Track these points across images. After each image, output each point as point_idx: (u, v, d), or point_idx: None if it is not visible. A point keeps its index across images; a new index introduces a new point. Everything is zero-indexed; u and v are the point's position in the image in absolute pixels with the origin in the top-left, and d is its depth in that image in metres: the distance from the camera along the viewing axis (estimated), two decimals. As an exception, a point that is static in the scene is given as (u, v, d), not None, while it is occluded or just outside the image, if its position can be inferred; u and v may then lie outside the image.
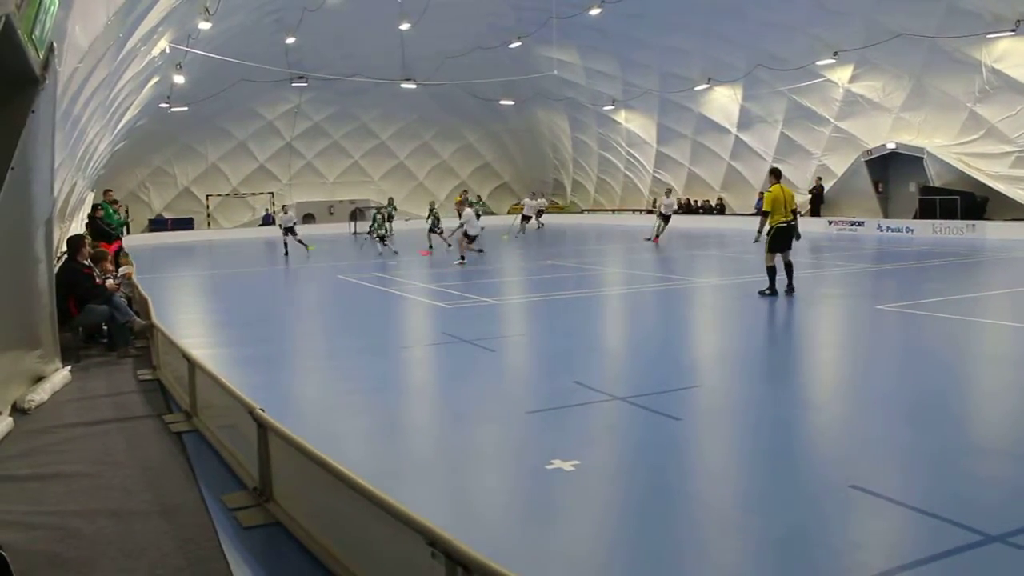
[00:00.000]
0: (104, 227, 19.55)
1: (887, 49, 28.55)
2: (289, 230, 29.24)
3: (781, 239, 14.52)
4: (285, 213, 30.80)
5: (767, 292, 14.60)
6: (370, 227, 30.54)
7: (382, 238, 29.23)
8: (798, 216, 14.86)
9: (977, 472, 5.83)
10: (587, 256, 25.20)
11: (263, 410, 5.30)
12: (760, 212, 14.88)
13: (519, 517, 5.37)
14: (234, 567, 4.44)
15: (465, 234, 23.67)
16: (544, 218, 42.88)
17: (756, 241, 15.41)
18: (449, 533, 3.20)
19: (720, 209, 41.82)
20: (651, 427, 6.99)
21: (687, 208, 43.60)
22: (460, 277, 20.14)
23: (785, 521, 4.98)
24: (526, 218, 38.52)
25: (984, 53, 26.52)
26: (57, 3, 6.29)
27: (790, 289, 14.57)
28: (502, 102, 46.89)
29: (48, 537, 4.81)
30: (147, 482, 5.78)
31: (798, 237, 14.81)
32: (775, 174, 15.04)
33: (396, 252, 28.03)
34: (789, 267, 14.70)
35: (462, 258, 23.48)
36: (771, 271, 14.61)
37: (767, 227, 14.69)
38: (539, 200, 43.12)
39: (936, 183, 29.99)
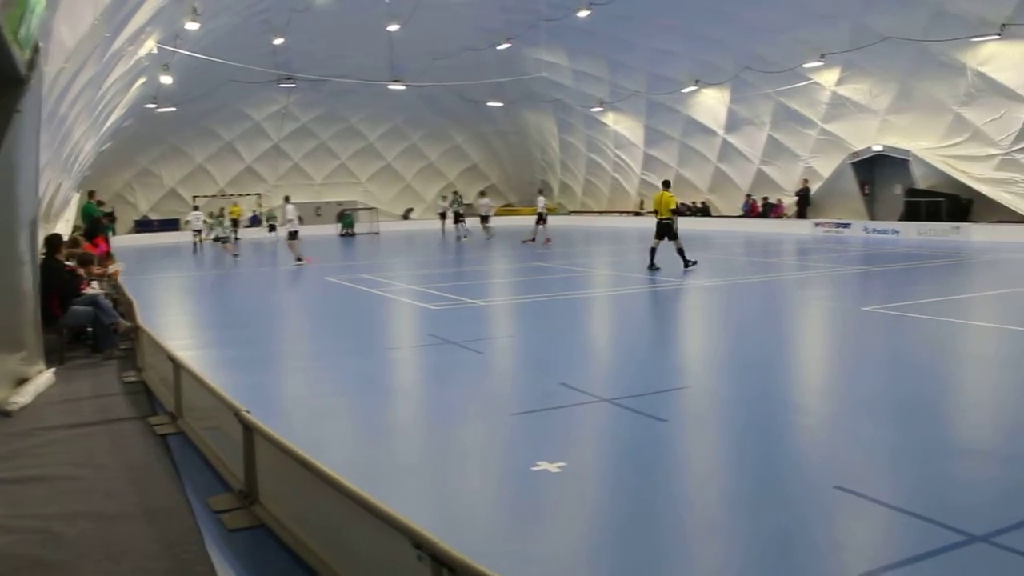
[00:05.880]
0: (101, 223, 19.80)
1: (873, 52, 28.66)
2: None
3: (661, 230, 19.56)
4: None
5: (654, 267, 19.37)
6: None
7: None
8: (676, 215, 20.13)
9: (961, 473, 5.87)
10: (574, 258, 25.21)
11: (248, 412, 5.27)
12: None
13: (505, 519, 5.36)
14: (219, 570, 4.41)
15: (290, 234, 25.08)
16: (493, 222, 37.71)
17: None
18: (435, 535, 3.19)
19: (705, 211, 41.91)
20: (637, 429, 7.00)
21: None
22: (447, 279, 20.15)
23: (770, 522, 5.00)
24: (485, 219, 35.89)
25: (969, 56, 26.66)
26: (43, 3, 6.26)
27: (652, 266, 19.49)
28: (490, 104, 46.80)
29: (30, 540, 4.76)
30: (131, 485, 5.74)
31: (675, 235, 19.51)
32: (665, 184, 20.95)
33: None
34: (652, 252, 19.65)
35: (299, 259, 24.50)
36: (652, 251, 19.76)
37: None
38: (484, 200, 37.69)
39: (921, 185, 30.13)
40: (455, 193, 40.92)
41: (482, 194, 37.21)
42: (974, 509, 5.07)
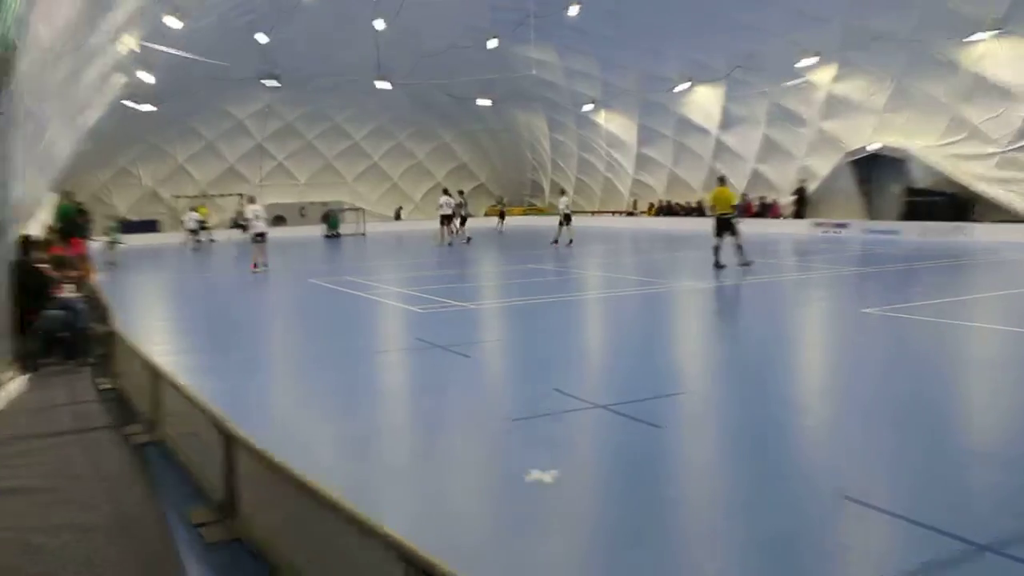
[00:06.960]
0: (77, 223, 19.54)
1: (869, 50, 28.71)
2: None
3: (722, 226, 19.13)
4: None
5: (719, 266, 18.74)
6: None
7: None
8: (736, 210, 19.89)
9: (966, 479, 5.73)
10: (567, 259, 25.02)
11: (229, 420, 5.10)
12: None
13: (497, 530, 5.20)
14: (196, 586, 4.24)
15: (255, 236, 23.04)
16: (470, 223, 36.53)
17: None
18: (423, 549, 3.06)
19: (700, 211, 41.76)
20: (633, 435, 6.81)
21: (668, 210, 43.48)
22: (434, 281, 19.94)
23: (771, 530, 4.86)
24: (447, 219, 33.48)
25: (965, 54, 26.69)
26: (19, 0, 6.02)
27: (745, 263, 18.64)
28: (479, 101, 46.31)
29: (6, 552, 4.65)
30: (107, 496, 5.54)
31: (736, 230, 19.11)
32: (721, 180, 20.31)
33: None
34: (739, 248, 18.87)
35: (255, 265, 22.92)
36: (716, 249, 19.18)
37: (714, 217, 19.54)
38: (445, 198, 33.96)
39: (921, 184, 29.91)
40: (460, 192, 37.54)
41: (445, 192, 34.24)
42: (979, 517, 4.97)
